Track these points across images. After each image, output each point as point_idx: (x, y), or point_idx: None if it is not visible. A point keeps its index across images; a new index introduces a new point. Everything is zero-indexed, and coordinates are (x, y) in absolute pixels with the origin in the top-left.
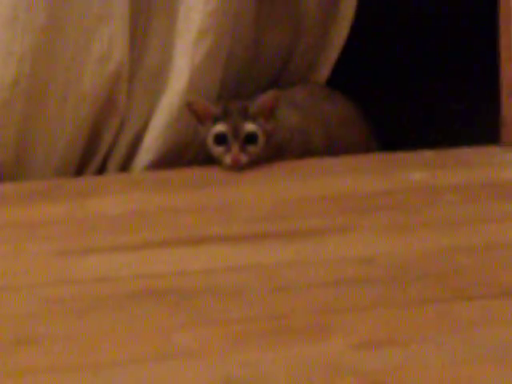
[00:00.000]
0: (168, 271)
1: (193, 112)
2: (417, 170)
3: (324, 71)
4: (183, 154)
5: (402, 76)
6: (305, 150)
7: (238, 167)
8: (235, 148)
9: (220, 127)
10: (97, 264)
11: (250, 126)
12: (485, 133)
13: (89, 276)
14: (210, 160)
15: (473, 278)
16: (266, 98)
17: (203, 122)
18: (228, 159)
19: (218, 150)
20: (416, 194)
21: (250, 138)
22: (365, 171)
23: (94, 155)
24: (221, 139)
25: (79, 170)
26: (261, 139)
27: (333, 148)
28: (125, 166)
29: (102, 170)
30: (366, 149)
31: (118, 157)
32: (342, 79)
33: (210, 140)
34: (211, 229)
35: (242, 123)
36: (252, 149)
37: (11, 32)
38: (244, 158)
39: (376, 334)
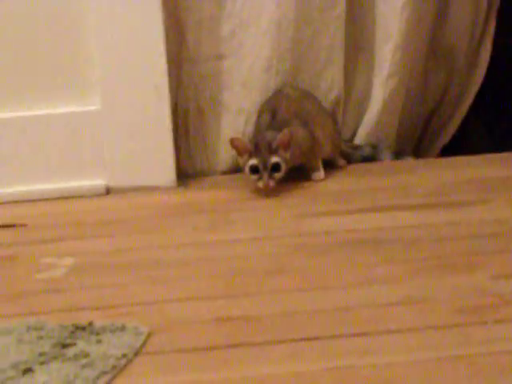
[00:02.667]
0: (368, 228)
1: (234, 147)
2: None
3: (468, 103)
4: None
5: None
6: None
7: (268, 190)
8: (265, 177)
9: (253, 161)
10: (323, 223)
11: (274, 159)
12: None
13: (318, 231)
14: None
15: None
16: (283, 136)
17: (242, 155)
18: (261, 184)
19: (253, 178)
20: None
21: (275, 167)
22: (493, 164)
23: None
24: (254, 170)
25: None
26: (283, 166)
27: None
28: None
29: None
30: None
31: None
32: None
33: (247, 170)
34: (396, 201)
35: (268, 157)
36: (277, 175)
37: (269, 74)
38: (272, 183)
39: (506, 269)
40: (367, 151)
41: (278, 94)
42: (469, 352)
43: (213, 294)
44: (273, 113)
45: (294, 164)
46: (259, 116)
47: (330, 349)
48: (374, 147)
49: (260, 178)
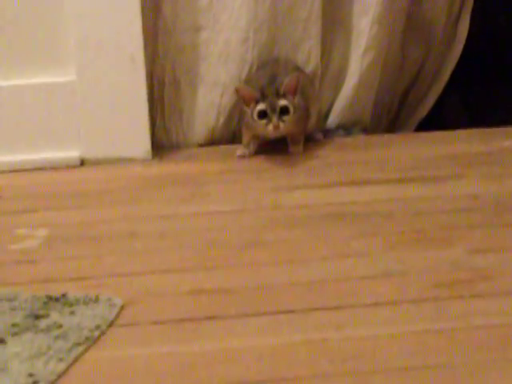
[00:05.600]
0: (344, 201)
1: (240, 96)
2: (507, 140)
3: (445, 78)
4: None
5: None
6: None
7: (277, 132)
8: (274, 119)
9: (261, 106)
10: (299, 196)
11: (282, 101)
12: None
13: (294, 204)
14: None
15: None
16: (290, 80)
17: (248, 104)
18: (270, 127)
19: (262, 123)
20: (505, 154)
21: (284, 110)
22: (469, 140)
23: None
24: (263, 114)
25: None
26: (291, 110)
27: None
28: None
29: None
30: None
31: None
32: None
33: (255, 116)
34: (372, 175)
35: (276, 101)
36: (286, 118)
37: (246, 46)
38: (282, 125)
39: (482, 244)
40: (340, 135)
41: (275, 62)
42: (445, 326)
43: (188, 266)
44: (272, 79)
45: (287, 131)
46: (256, 79)
47: (306, 322)
48: (347, 129)
49: (269, 122)
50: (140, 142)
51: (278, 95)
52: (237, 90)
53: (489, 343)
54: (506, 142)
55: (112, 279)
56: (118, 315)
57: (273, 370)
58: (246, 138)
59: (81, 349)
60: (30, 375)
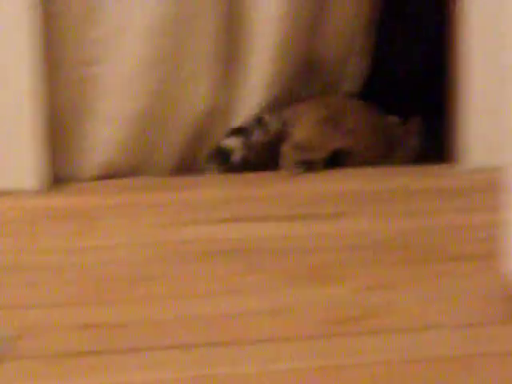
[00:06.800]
0: (237, 237)
1: None
2: (399, 178)
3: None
4: None
5: None
6: None
7: None
8: None
9: None
10: (191, 232)
11: None
12: None
13: (185, 239)
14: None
15: (433, 248)
16: None
17: None
18: None
19: None
20: (398, 193)
21: None
22: (361, 178)
23: (195, 161)
24: None
25: (185, 171)
26: None
27: None
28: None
29: (199, 171)
30: None
31: None
32: None
33: None
34: (267, 211)
35: None
36: None
37: (142, 80)
38: None
39: (371, 281)
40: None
41: None
42: (333, 363)
43: (79, 300)
44: None
45: None
46: None
47: (195, 357)
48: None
49: None
50: (35, 175)
51: None
52: None
53: (376, 380)
54: (398, 181)
55: (3, 311)
56: (8, 348)
57: None
58: None
59: None
60: None
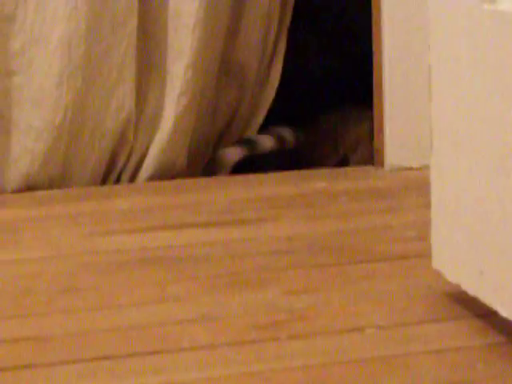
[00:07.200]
0: (159, 246)
1: None
2: (319, 182)
3: (259, 121)
4: (171, 171)
5: None
6: None
7: None
8: None
9: None
10: (114, 241)
11: None
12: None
13: (109, 249)
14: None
15: (359, 249)
16: None
17: None
18: None
19: None
20: (319, 196)
21: None
22: (283, 182)
23: (113, 171)
24: None
25: (103, 181)
26: None
27: None
28: (133, 178)
29: (118, 180)
30: None
31: (128, 172)
32: None
33: None
34: (187, 218)
35: None
36: None
37: (60, 91)
38: None
39: (297, 285)
40: None
41: None
42: (262, 368)
43: (2, 314)
44: None
45: None
46: None
47: (123, 368)
48: None
49: None
50: None
51: None
52: None
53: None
54: (318, 184)
55: None
56: None
57: None
58: None
59: None
60: None
